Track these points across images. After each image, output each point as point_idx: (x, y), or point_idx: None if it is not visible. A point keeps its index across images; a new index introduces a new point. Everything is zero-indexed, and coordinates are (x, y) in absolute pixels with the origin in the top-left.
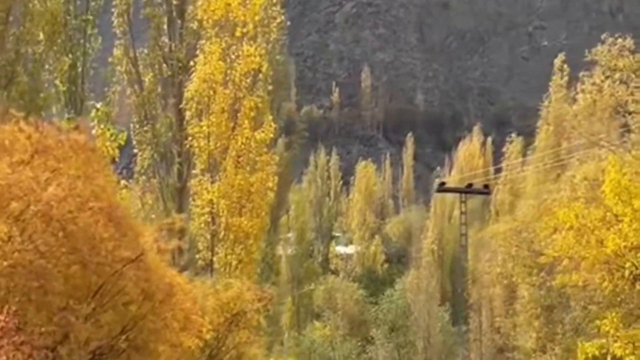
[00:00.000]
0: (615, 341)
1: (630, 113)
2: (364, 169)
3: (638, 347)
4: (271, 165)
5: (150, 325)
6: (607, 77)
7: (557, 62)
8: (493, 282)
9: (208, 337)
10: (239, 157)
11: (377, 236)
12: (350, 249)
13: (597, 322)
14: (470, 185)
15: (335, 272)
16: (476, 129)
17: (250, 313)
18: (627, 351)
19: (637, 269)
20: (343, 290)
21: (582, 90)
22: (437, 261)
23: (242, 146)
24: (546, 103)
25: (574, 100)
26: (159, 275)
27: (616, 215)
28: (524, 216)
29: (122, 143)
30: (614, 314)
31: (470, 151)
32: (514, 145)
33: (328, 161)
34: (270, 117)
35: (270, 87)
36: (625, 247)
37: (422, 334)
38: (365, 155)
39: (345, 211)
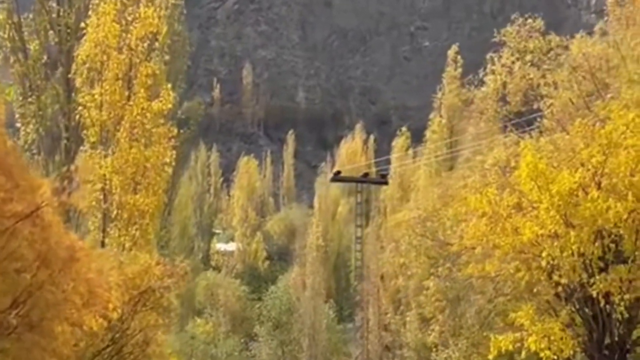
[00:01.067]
0: (530, 335)
1: (542, 97)
2: (246, 165)
3: (554, 341)
4: (169, 139)
5: (48, 297)
6: (517, 59)
7: (451, 53)
8: (396, 273)
9: (115, 316)
10: (133, 128)
11: (258, 233)
12: (231, 246)
13: (512, 314)
14: (366, 174)
15: (216, 269)
16: (358, 126)
17: (159, 291)
18: (542, 345)
19: (554, 258)
20: (225, 287)
21: (492, 72)
22: (322, 258)
23: (138, 117)
24: (439, 95)
25: (469, 89)
26: (58, 237)
27: (532, 202)
28: (428, 205)
29: (9, 99)
30: (529, 306)
31: (352, 149)
32: (403, 139)
33: (208, 157)
34: (169, 86)
35: (167, 57)
36: (542, 235)
37: (307, 331)
38: (246, 152)
39: (225, 208)
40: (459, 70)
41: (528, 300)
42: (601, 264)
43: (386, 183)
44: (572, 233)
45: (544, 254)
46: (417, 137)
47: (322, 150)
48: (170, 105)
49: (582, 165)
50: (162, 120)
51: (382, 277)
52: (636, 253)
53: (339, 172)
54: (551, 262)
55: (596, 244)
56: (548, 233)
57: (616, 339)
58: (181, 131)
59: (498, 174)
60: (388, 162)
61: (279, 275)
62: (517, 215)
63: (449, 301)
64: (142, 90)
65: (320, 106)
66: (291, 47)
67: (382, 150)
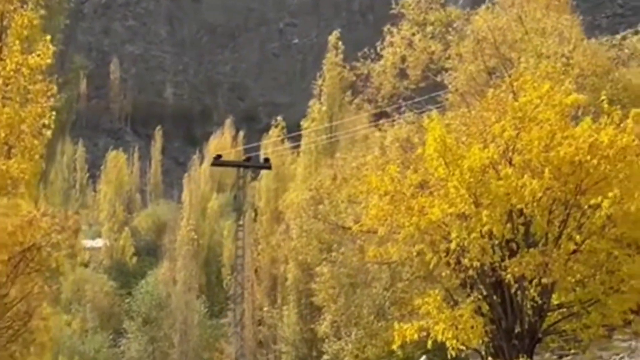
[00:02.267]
0: (437, 323)
1: (446, 70)
2: (115, 159)
3: (462, 330)
4: (47, 98)
5: None
6: (417, 32)
7: (332, 39)
8: (286, 258)
9: None
10: (6, 85)
11: (126, 229)
12: (98, 242)
13: (419, 301)
14: (248, 159)
15: (83, 265)
16: (228, 122)
17: (45, 249)
18: (449, 334)
19: (463, 240)
20: (93, 282)
21: (391, 44)
22: (194, 252)
23: (11, 73)
24: (319, 81)
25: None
26: None
27: (440, 180)
28: (319, 186)
29: None
30: (436, 293)
31: (221, 144)
32: (278, 129)
33: (75, 152)
34: (48, 37)
35: (42, 12)
36: (450, 214)
37: (179, 326)
38: (113, 148)
39: (91, 204)
40: (340, 56)
41: (427, 287)
42: (513, 246)
43: (269, 167)
44: (485, 212)
45: (452, 235)
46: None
47: (191, 147)
48: (49, 61)
49: (494, 140)
50: (40, 77)
51: (256, 271)
52: (549, 235)
53: (219, 156)
54: (461, 244)
55: (508, 226)
56: (457, 212)
57: (526, 327)
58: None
59: (399, 152)
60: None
61: (148, 270)
62: (422, 194)
63: (342, 289)
64: (17, 42)
65: (189, 102)
66: (159, 43)
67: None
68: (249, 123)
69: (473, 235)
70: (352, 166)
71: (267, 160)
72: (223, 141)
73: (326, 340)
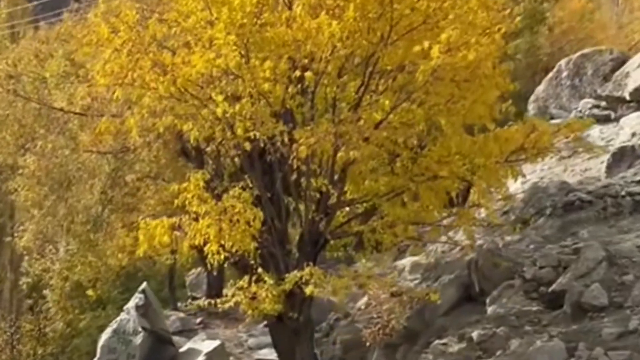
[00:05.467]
0: (198, 218)
1: None
2: None
3: (233, 228)
4: None
5: None
6: None
7: None
8: None
9: None
10: None
11: None
12: None
13: (171, 188)
14: None
15: None
16: None
17: None
18: (212, 233)
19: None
20: None
21: None
22: None
23: None
24: None
25: None
26: None
27: (202, 24)
28: (19, 60)
29: None
30: (200, 174)
31: None
32: None
33: None
34: None
35: None
36: (218, 67)
37: None
38: None
39: None
40: None
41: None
42: (298, 117)
43: None
44: (265, 65)
45: (218, 99)
46: None
47: None
48: None
49: None
50: None
51: None
52: (337, 102)
53: None
54: (229, 110)
55: (289, 89)
56: (225, 67)
57: (309, 227)
58: None
59: None
60: None
61: None
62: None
63: (52, 188)
64: None
65: None
66: None
67: None
68: None
69: (245, 100)
70: (67, 25)
71: None
72: None
73: (26, 259)
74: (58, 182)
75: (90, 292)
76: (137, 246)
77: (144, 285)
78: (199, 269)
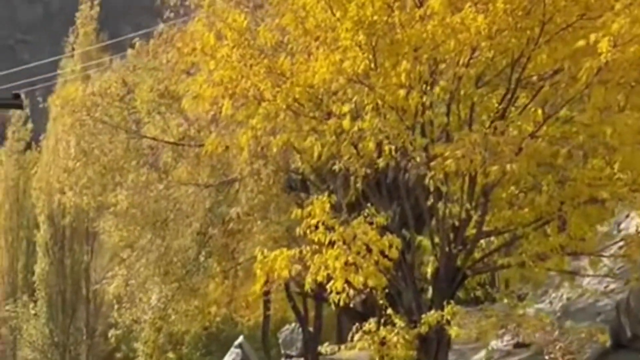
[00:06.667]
0: (324, 246)
1: None
2: None
3: (365, 259)
4: None
5: None
6: None
7: None
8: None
9: None
10: None
11: None
12: None
13: (298, 212)
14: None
15: None
16: None
17: None
18: (339, 265)
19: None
20: None
21: None
22: None
23: None
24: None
25: None
26: None
27: (323, 28)
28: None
29: None
30: (324, 199)
31: None
32: None
33: None
34: None
35: None
36: (345, 72)
37: None
38: None
39: None
40: (97, 9)
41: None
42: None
43: (21, 107)
44: (405, 65)
45: (344, 109)
46: None
47: None
48: None
49: None
50: None
51: None
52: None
53: None
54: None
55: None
56: (354, 72)
57: (445, 261)
58: None
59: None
60: None
61: None
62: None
63: (146, 227)
64: None
65: None
66: None
67: None
68: None
69: (373, 112)
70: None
71: (17, 96)
72: None
73: (115, 308)
74: (152, 220)
75: (170, 354)
76: (238, 289)
77: (240, 339)
78: (293, 324)
